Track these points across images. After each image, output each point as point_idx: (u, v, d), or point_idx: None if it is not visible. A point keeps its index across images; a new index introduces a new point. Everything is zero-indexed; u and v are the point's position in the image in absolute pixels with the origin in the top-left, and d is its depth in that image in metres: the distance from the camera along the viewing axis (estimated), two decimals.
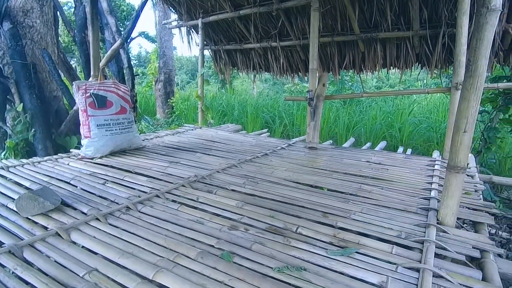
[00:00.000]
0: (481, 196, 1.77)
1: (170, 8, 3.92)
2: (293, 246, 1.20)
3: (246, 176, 1.99)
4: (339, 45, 3.22)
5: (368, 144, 3.17)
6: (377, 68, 3.20)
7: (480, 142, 3.02)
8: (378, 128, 4.28)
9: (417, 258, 1.13)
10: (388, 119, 4.37)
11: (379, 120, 4.52)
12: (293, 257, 1.13)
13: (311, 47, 2.73)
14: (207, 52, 4.25)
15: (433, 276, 1.04)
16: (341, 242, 1.24)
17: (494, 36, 2.36)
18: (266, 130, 4.06)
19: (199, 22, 3.66)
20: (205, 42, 4.10)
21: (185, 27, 3.99)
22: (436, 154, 2.69)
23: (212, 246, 1.19)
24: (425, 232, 1.31)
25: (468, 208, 1.60)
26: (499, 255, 1.27)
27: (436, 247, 1.21)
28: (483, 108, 2.99)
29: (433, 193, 1.72)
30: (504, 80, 2.74)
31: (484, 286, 1.02)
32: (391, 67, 3.15)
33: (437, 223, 1.40)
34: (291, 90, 9.30)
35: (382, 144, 3.19)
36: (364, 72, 3.29)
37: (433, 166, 2.22)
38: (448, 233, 1.32)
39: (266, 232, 1.31)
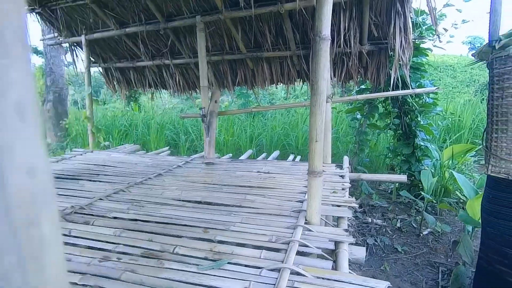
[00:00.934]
0: (346, 193, 2.05)
1: (47, 23, 3.56)
2: (166, 268, 1.19)
3: (132, 201, 1.91)
4: (231, 63, 3.39)
5: (263, 155, 3.39)
6: (266, 84, 3.46)
7: (355, 145, 3.52)
8: (277, 138, 4.62)
9: (281, 258, 1.25)
10: (285, 129, 4.76)
11: (278, 130, 4.88)
12: (164, 279, 1.12)
13: (200, 66, 2.81)
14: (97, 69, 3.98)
15: (291, 273, 1.16)
16: (216, 255, 1.28)
17: (352, 56, 2.81)
18: (167, 148, 3.97)
19: (82, 39, 3.42)
20: (93, 60, 3.83)
21: (68, 44, 3.67)
22: None
23: (75, 283, 1.10)
24: (292, 233, 1.45)
25: (333, 206, 1.84)
26: (366, 244, 1.48)
27: (300, 246, 1.35)
28: (354, 116, 3.51)
29: (306, 196, 1.93)
30: (367, 92, 3.28)
31: (332, 274, 1.18)
32: (278, 83, 3.46)
33: (305, 223, 1.57)
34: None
35: (276, 153, 3.45)
36: (256, 87, 3.53)
37: None
38: (312, 231, 1.49)
39: (141, 258, 1.27)
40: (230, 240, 1.41)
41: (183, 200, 1.91)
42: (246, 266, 1.22)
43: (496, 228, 1.46)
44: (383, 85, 2.99)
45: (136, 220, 1.64)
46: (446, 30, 3.00)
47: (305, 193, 1.98)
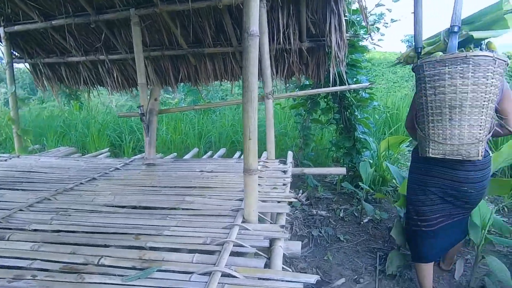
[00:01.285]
0: (287, 189, 2.07)
1: None
2: (87, 282, 1.10)
3: (57, 210, 1.75)
4: (172, 59, 3.26)
5: (209, 153, 3.33)
6: (210, 81, 3.40)
7: (300, 140, 3.60)
8: (226, 135, 4.58)
9: (214, 261, 1.22)
10: (234, 126, 4.73)
11: (227, 127, 4.84)
12: None
13: (137, 62, 2.66)
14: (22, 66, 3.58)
15: (222, 275, 1.13)
16: (146, 263, 1.21)
17: (292, 53, 2.86)
18: (107, 149, 3.73)
19: (1, 31, 3.05)
20: (18, 54, 3.45)
21: None
22: (264, 155, 3.05)
23: None
24: (228, 233, 1.43)
25: (274, 202, 1.86)
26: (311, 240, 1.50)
27: (235, 246, 1.33)
28: (298, 112, 3.59)
29: None
30: (309, 88, 3.37)
31: (263, 273, 1.18)
32: (223, 79, 3.41)
33: (243, 221, 1.56)
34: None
35: (222, 151, 3.41)
36: (200, 84, 3.45)
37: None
38: (249, 229, 1.48)
39: (59, 274, 1.16)
40: (162, 246, 1.35)
41: (116, 206, 1.79)
42: (176, 272, 1.17)
43: (410, 191, 1.96)
44: (324, 81, 3.09)
45: (59, 231, 1.50)
46: (378, 29, 3.18)
47: None
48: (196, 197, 1.89)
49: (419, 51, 1.73)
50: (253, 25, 1.35)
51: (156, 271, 1.16)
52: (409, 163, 2.00)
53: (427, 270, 1.92)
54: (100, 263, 1.22)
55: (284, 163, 2.66)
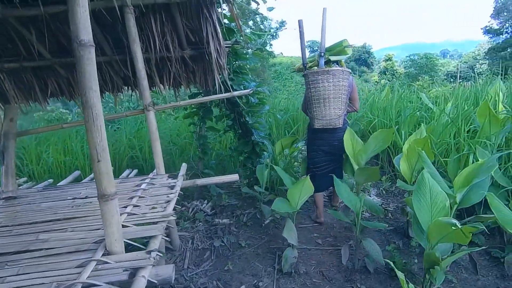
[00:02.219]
0: (170, 206, 1.94)
1: None
2: None
3: None
4: (36, 71, 2.82)
5: (91, 175, 2.98)
6: None
7: (199, 149, 3.51)
8: (124, 150, 4.21)
9: None
10: (131, 140, 4.37)
11: (124, 142, 4.45)
12: None
13: None
14: None
15: None
16: None
17: (173, 61, 2.74)
18: None
19: None
20: None
21: None
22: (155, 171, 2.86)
23: None
24: (80, 273, 1.24)
25: (150, 223, 1.71)
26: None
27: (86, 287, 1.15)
28: (192, 121, 3.50)
29: (121, 218, 1.73)
30: (200, 96, 3.30)
31: None
32: (104, 91, 3.10)
33: (104, 254, 1.38)
34: (45, 119, 7.61)
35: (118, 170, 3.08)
36: (76, 97, 3.07)
37: (140, 186, 2.30)
38: (110, 262, 1.31)
39: None
40: None
41: None
42: None
43: (310, 144, 3.06)
44: (212, 89, 3.06)
45: None
46: (261, 35, 3.30)
47: (120, 215, 1.78)
48: (55, 233, 1.62)
49: (305, 66, 2.91)
50: (83, 34, 1.20)
51: None
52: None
53: (320, 196, 3.08)
54: None
55: (175, 177, 2.52)
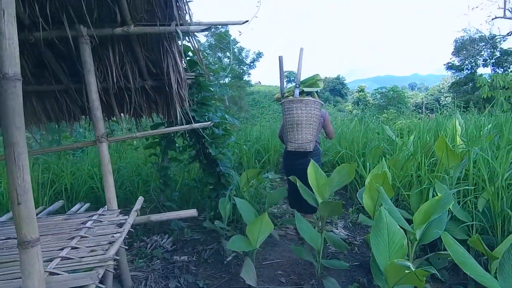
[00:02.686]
0: (113, 248, 1.78)
1: None
2: None
3: None
4: None
5: (40, 208, 2.74)
6: (42, 122, 2.90)
7: (160, 181, 3.37)
8: (81, 180, 3.97)
9: None
10: (90, 170, 4.15)
11: (85, 171, 4.22)
12: None
13: None
14: None
15: None
16: None
17: (133, 91, 2.67)
18: None
19: None
20: None
21: None
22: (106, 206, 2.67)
23: None
24: None
25: (84, 271, 1.55)
26: None
27: None
28: (153, 152, 3.38)
29: (52, 264, 1.56)
30: (162, 126, 3.21)
31: None
32: (59, 120, 2.96)
33: None
34: None
35: (57, 204, 2.86)
36: (29, 127, 2.90)
37: (86, 223, 2.12)
38: None
39: None
40: None
41: None
42: None
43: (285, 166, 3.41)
44: (175, 120, 2.99)
45: None
46: (226, 68, 3.31)
47: (52, 260, 1.61)
48: None
49: (283, 95, 3.30)
50: (7, 67, 1.11)
51: None
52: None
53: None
54: None
55: (128, 212, 2.36)
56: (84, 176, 4.09)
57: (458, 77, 24.39)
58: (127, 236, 2.06)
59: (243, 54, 27.93)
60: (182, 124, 2.80)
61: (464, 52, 22.66)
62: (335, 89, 63.81)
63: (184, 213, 2.44)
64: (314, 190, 2.87)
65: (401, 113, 11.45)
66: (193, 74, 2.85)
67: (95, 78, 2.26)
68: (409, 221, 2.88)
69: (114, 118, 2.95)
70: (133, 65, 2.59)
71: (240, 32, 2.89)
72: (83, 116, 3.03)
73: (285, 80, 3.45)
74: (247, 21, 2.41)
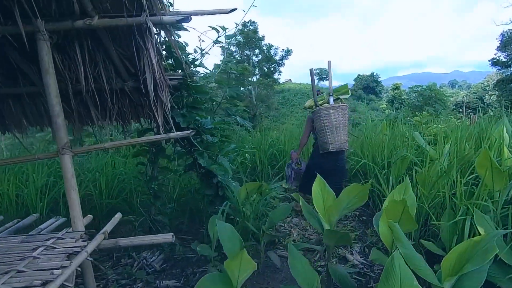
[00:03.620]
0: (58, 280, 1.45)
1: None
2: None
3: None
4: None
5: (12, 221, 2.50)
6: (24, 128, 2.69)
7: (151, 192, 3.04)
8: (80, 187, 3.75)
9: None
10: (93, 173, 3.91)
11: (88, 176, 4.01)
12: None
13: None
14: None
15: None
16: None
17: (108, 93, 2.33)
18: None
19: None
20: None
21: None
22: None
23: None
24: None
25: None
26: None
27: None
28: (140, 161, 3.06)
29: None
30: (150, 133, 2.88)
31: None
32: (39, 125, 2.72)
33: None
34: None
35: (31, 217, 2.61)
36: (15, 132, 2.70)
37: (37, 249, 1.81)
38: None
39: None
40: None
41: None
42: None
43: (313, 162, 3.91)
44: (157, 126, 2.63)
45: None
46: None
47: None
48: None
49: (316, 103, 3.78)
50: None
51: None
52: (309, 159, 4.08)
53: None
54: None
55: (92, 235, 2.04)
56: (85, 182, 3.87)
57: (504, 74, 22.17)
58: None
59: (272, 52, 27.40)
60: (166, 131, 2.45)
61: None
62: (369, 86, 61.39)
63: (158, 238, 2.07)
64: (320, 212, 2.39)
65: (438, 114, 10.38)
66: (180, 74, 2.48)
67: (55, 80, 1.95)
68: (439, 257, 2.33)
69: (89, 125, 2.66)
70: (107, 64, 2.26)
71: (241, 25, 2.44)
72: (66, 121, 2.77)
73: (316, 78, 3.37)
74: (234, 9, 1.99)
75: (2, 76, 2.37)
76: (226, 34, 2.52)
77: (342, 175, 3.86)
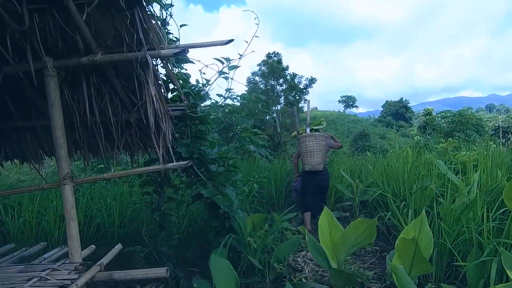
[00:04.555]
0: None
1: None
2: None
3: None
4: None
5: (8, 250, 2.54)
6: (42, 159, 2.83)
7: (156, 222, 3.01)
8: (95, 215, 3.81)
9: None
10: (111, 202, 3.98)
11: (102, 204, 4.08)
12: None
13: None
14: None
15: None
16: None
17: (113, 125, 2.40)
18: None
19: None
20: None
21: None
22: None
23: None
24: None
25: None
26: None
27: None
28: (145, 191, 3.05)
29: None
30: (157, 163, 2.89)
31: None
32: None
33: None
34: None
35: (38, 246, 2.64)
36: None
37: (30, 281, 1.80)
38: None
39: None
40: None
41: None
42: None
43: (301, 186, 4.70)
44: (167, 156, 2.64)
45: None
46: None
47: None
48: None
49: (299, 133, 4.79)
50: None
51: None
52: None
53: (307, 216, 4.48)
54: None
55: (88, 267, 2.01)
56: (101, 211, 3.92)
57: None
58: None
59: (296, 80, 27.72)
60: (171, 161, 2.45)
61: None
62: (398, 113, 59.84)
63: (152, 273, 2.01)
64: (326, 248, 2.22)
65: (470, 140, 9.75)
66: (182, 105, 2.51)
67: (60, 113, 2.04)
68: None
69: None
70: (113, 97, 2.35)
71: (240, 55, 2.47)
72: (78, 151, 2.87)
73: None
74: (231, 40, 2.01)
75: (19, 111, 2.52)
76: (230, 65, 2.55)
77: (326, 192, 4.81)
